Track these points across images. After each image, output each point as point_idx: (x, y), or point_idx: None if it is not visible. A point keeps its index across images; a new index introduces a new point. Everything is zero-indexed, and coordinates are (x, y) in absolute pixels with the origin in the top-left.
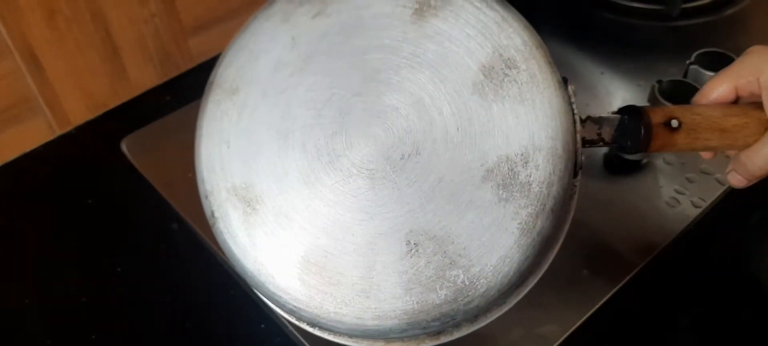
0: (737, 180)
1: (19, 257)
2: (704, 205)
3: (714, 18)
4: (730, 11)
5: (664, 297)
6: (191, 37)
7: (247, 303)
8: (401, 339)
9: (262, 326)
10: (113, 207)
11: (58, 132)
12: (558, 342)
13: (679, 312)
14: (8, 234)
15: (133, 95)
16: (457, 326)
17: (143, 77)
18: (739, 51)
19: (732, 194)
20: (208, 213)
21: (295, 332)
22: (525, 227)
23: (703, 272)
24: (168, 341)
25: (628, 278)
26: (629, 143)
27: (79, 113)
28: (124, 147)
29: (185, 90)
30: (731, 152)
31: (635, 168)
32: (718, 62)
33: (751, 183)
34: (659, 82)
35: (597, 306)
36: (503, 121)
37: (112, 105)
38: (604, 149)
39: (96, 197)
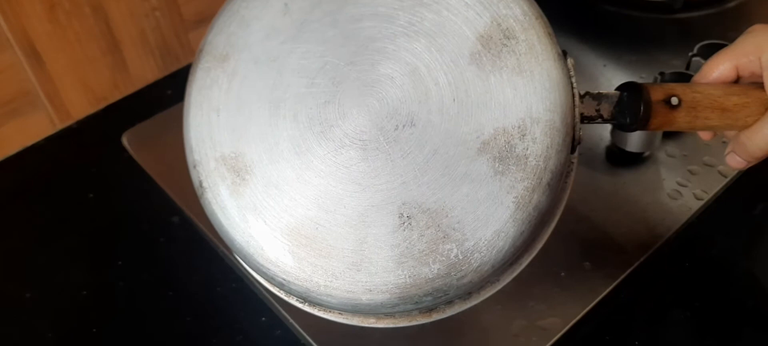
0: (736, 161)
1: (20, 250)
2: (706, 197)
3: (717, 10)
4: (732, 3)
5: (666, 290)
6: (192, 31)
7: (248, 296)
8: (392, 315)
9: (263, 318)
10: (114, 201)
11: (59, 126)
12: (559, 334)
13: (681, 305)
14: (9, 228)
15: (133, 89)
16: (450, 303)
17: (144, 71)
18: None
19: (734, 186)
20: (196, 183)
21: (295, 325)
22: (521, 201)
23: (705, 265)
24: (169, 334)
25: (629, 270)
26: (628, 120)
27: (80, 107)
28: (124, 141)
29: (186, 84)
30: (730, 135)
31: (637, 160)
32: None
33: (750, 165)
34: (662, 74)
35: (598, 299)
36: (500, 92)
37: (112, 99)
38: (607, 142)
39: (97, 191)
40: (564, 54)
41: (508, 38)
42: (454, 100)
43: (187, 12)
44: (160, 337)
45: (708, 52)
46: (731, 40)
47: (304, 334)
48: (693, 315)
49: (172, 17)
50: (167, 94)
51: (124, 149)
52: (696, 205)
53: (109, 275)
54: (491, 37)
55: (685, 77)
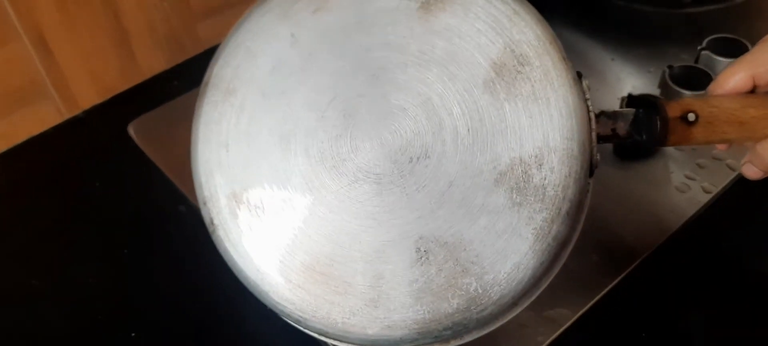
0: (753, 172)
1: (27, 239)
2: (715, 190)
3: (726, 5)
4: None
5: (673, 282)
6: (200, 22)
7: None
8: None
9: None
10: (121, 190)
11: (67, 115)
12: (567, 325)
13: (688, 297)
14: (17, 217)
15: (141, 79)
16: (469, 332)
17: (152, 62)
18: (752, 38)
19: (743, 179)
20: (207, 220)
21: None
22: (540, 232)
23: (712, 258)
24: (175, 323)
25: (637, 262)
26: (645, 138)
27: (88, 97)
28: (131, 131)
29: (193, 75)
30: (747, 143)
31: (646, 154)
32: (731, 48)
33: (767, 175)
34: (670, 67)
35: (606, 290)
36: (516, 121)
37: (120, 89)
38: None
39: (103, 181)
40: (579, 76)
41: (523, 65)
42: (468, 130)
43: (195, 3)
44: (167, 326)
45: (717, 46)
46: (740, 35)
47: None
48: (700, 308)
49: (181, 8)
50: (174, 85)
51: (130, 139)
52: (704, 198)
53: (115, 263)
54: (505, 64)
55: (693, 70)
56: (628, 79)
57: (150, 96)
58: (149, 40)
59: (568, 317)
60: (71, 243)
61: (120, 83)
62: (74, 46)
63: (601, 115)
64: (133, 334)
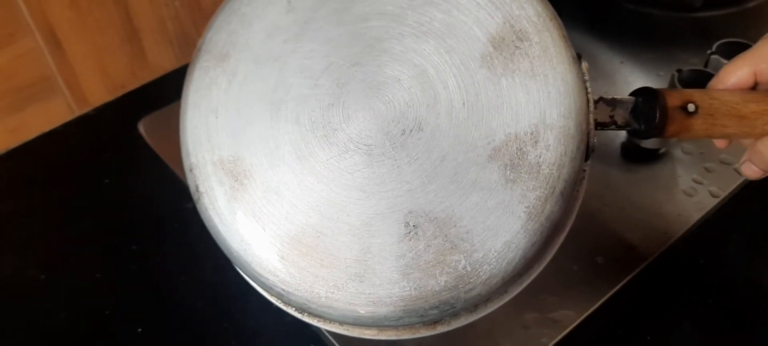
0: (752, 171)
1: (36, 233)
2: (722, 195)
3: (737, 10)
4: (752, 3)
5: (679, 286)
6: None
7: None
8: (395, 328)
9: (274, 305)
10: (129, 187)
11: (77, 112)
12: (571, 327)
13: (694, 301)
14: (26, 211)
15: (151, 78)
16: (456, 315)
17: (162, 60)
18: None
19: (750, 184)
20: (192, 188)
21: None
22: (533, 211)
23: (719, 262)
24: (181, 318)
25: (643, 265)
26: (643, 127)
27: (98, 94)
28: (141, 128)
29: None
30: (746, 142)
31: (653, 157)
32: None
33: (767, 175)
34: (679, 71)
35: (610, 293)
36: (513, 96)
37: (130, 87)
38: (622, 138)
39: (112, 177)
40: (578, 57)
41: (521, 40)
42: (463, 104)
43: (205, 2)
44: (173, 321)
45: (727, 51)
46: (750, 39)
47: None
48: (706, 312)
49: (191, 7)
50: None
51: (140, 136)
52: (711, 202)
53: (122, 259)
54: (503, 39)
55: (703, 74)
56: (636, 83)
57: (160, 94)
58: (160, 39)
59: (572, 318)
60: (79, 238)
61: (130, 81)
62: (85, 44)
63: (600, 101)
64: (139, 329)
